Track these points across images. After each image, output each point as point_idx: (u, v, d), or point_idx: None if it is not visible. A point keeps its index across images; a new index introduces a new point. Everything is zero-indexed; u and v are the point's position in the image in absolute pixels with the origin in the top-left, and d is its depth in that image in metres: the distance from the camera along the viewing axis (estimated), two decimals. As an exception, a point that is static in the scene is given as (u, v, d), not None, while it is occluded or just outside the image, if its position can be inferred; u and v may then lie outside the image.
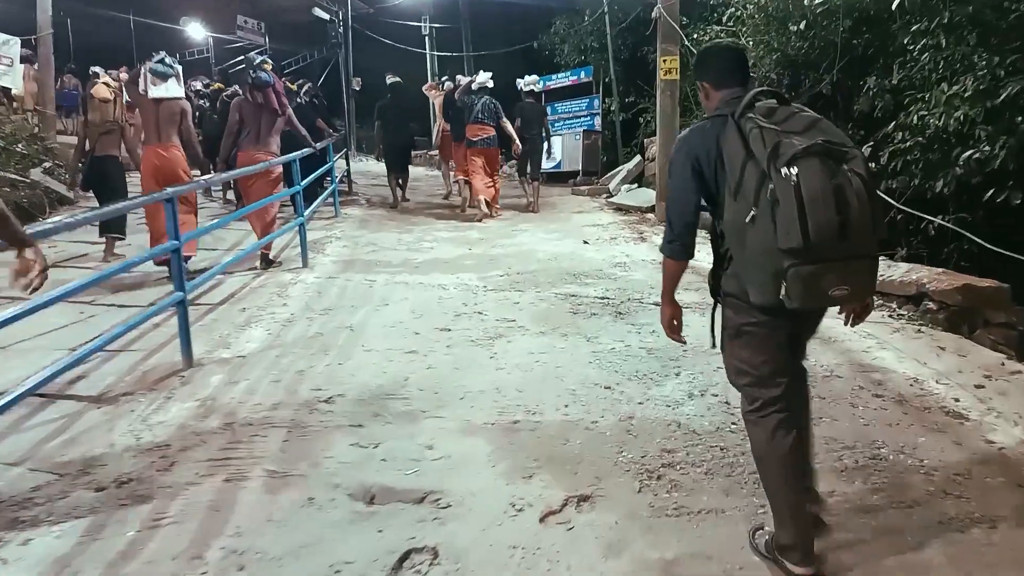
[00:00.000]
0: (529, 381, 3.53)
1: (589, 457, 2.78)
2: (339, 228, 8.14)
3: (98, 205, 6.17)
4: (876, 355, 3.83)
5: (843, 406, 3.22)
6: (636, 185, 9.84)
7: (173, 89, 5.78)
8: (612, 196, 10.13)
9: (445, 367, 3.74)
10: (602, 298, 5.05)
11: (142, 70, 5.75)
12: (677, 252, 2.10)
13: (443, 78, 11.99)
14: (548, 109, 14.38)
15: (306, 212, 6.83)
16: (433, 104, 11.45)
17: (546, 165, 14.24)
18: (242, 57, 9.00)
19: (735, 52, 2.20)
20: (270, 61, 6.72)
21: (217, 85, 11.45)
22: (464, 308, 4.85)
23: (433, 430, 3.03)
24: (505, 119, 9.03)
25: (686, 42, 8.61)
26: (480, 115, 8.81)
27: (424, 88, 11.95)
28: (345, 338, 4.25)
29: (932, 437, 2.93)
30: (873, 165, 6.56)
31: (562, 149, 13.61)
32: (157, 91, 5.68)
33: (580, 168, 13.03)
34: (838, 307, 1.99)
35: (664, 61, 8.13)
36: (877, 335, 4.12)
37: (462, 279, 5.72)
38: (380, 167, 11.77)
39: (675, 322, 2.25)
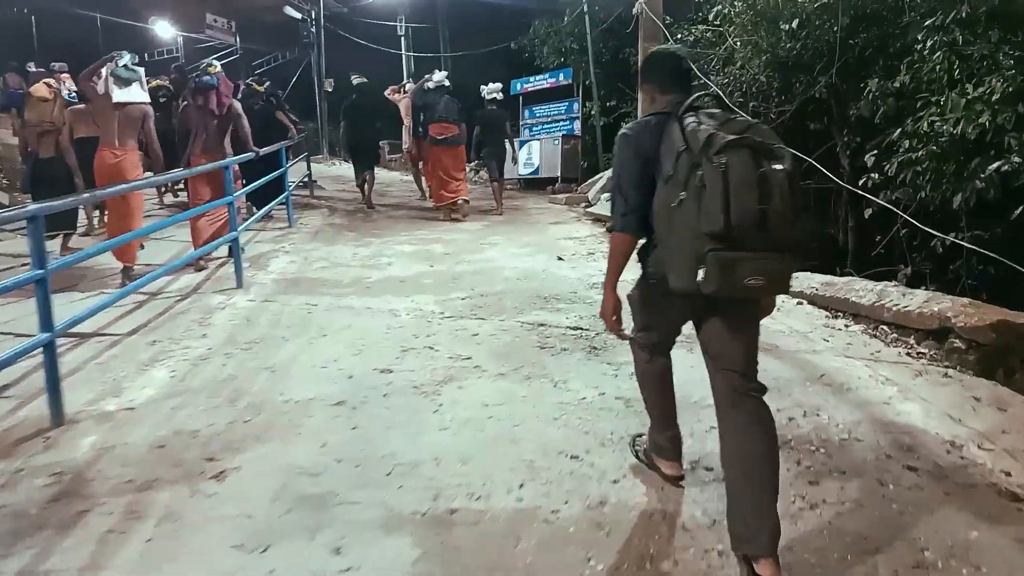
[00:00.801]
0: (478, 446, 2.83)
1: (544, 570, 2.08)
2: (291, 240, 7.40)
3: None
4: (900, 409, 3.17)
5: (869, 484, 2.55)
6: (617, 194, 9.18)
7: (137, 94, 5.68)
8: (591, 205, 9.49)
9: (376, 427, 3.03)
10: (575, 328, 4.36)
11: (103, 70, 5.55)
12: (631, 226, 2.13)
13: (404, 83, 11.82)
14: (526, 112, 13.82)
15: (244, 224, 6.11)
16: (399, 107, 11.30)
17: (523, 171, 13.65)
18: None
19: (680, 60, 2.27)
20: (216, 64, 6.61)
21: (156, 83, 10.61)
22: (414, 341, 4.15)
23: (345, 523, 2.31)
24: (463, 125, 9.09)
25: (670, 40, 7.99)
26: (443, 114, 8.74)
27: (387, 92, 11.81)
28: (262, 384, 3.52)
29: (986, 530, 2.27)
30: (876, 176, 5.96)
31: (540, 154, 12.97)
32: (121, 95, 5.54)
33: (559, 174, 12.40)
34: None
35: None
36: (898, 380, 3.48)
37: (417, 303, 5.02)
38: (348, 172, 11.44)
39: (615, 316, 2.26)
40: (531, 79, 13.69)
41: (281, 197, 7.97)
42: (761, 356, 2.18)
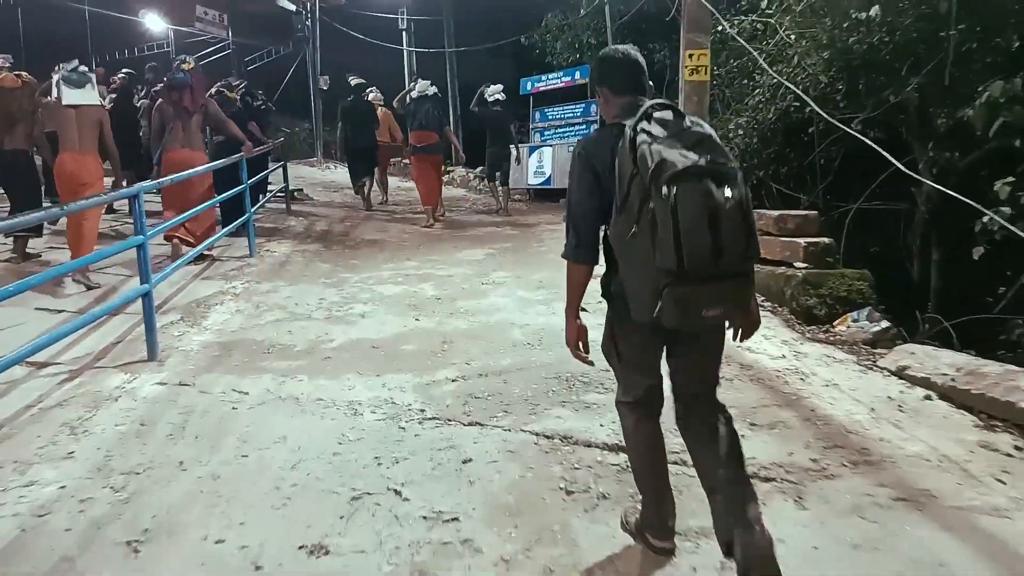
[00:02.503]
0: None
1: None
2: (246, 276, 5.98)
3: (8, 203, 6.12)
4: None
5: None
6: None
7: (89, 96, 5.65)
8: None
9: None
10: (616, 447, 2.93)
11: (53, 80, 5.65)
12: (583, 256, 2.08)
13: (368, 90, 11.12)
14: (536, 115, 12.39)
15: (174, 264, 4.71)
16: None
17: (533, 180, 12.22)
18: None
19: (634, 59, 2.13)
20: (190, 60, 6.59)
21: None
22: (373, 478, 2.73)
23: None
24: (449, 128, 9.52)
25: (728, 29, 6.56)
26: (423, 122, 8.83)
27: (370, 98, 11.13)
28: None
29: None
30: (1009, 210, 4.50)
31: (552, 162, 11.53)
32: (71, 97, 5.52)
33: (574, 186, 10.93)
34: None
35: (690, 57, 6.04)
36: None
37: (389, 389, 3.60)
38: (343, 178, 11.24)
39: (581, 343, 2.17)
40: (543, 78, 12.24)
41: (239, 221, 6.56)
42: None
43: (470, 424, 3.20)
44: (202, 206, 5.85)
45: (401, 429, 3.15)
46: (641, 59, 2.14)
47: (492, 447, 2.97)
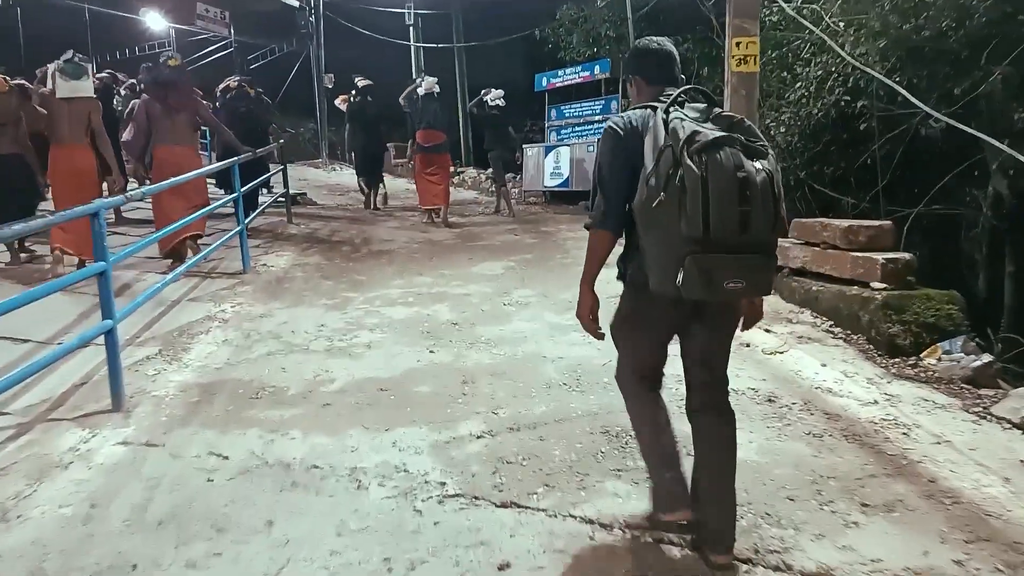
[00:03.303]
0: None
1: None
2: (238, 296, 5.33)
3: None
4: None
5: None
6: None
7: (84, 87, 5.62)
8: None
9: None
10: (697, 552, 2.25)
11: (49, 70, 5.63)
12: (612, 225, 2.06)
13: (353, 92, 10.85)
14: (552, 112, 11.73)
15: (152, 288, 4.07)
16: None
17: (549, 182, 11.56)
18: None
19: (669, 51, 2.16)
20: (177, 57, 6.48)
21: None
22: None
23: None
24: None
25: (792, 11, 5.87)
26: (431, 121, 8.74)
27: (336, 102, 11.22)
28: None
29: None
30: None
31: (570, 162, 10.86)
32: (65, 89, 5.51)
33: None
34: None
35: (737, 45, 5.34)
36: None
37: (400, 450, 2.94)
38: (349, 180, 11.42)
39: (592, 314, 2.16)
40: (559, 73, 11.55)
41: (231, 234, 5.91)
42: None
43: (503, 505, 2.52)
44: (203, 211, 5.67)
45: (416, 513, 2.48)
46: (676, 51, 2.18)
47: (534, 543, 2.30)
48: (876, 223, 4.63)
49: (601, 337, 2.19)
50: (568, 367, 3.83)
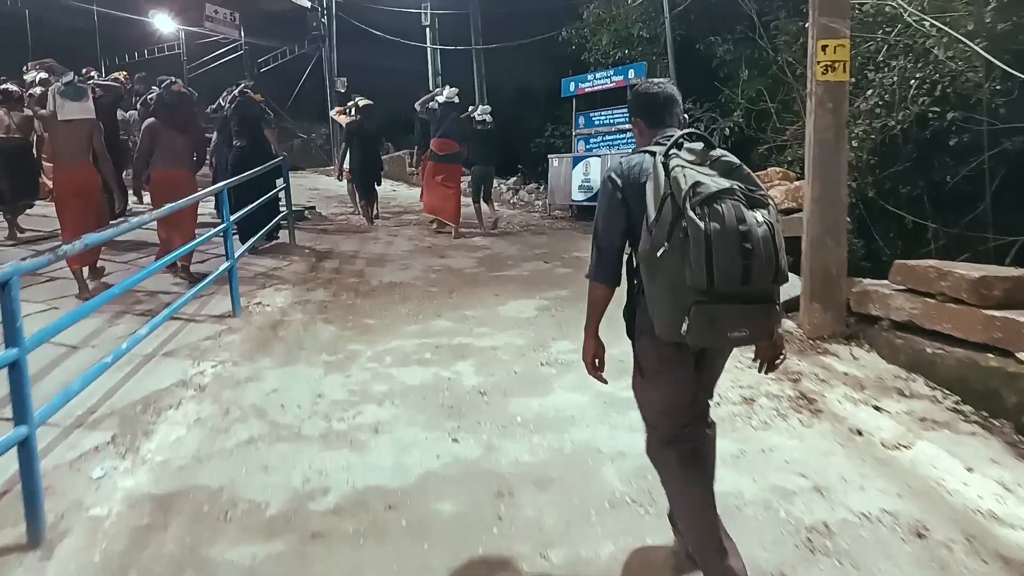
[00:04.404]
0: None
1: None
2: (224, 349, 4.47)
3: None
4: None
5: None
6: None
7: (85, 109, 5.67)
8: None
9: None
10: None
11: (49, 92, 5.71)
12: (608, 277, 2.11)
13: (350, 103, 11.15)
14: (580, 120, 10.83)
15: (124, 347, 3.22)
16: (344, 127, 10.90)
17: (577, 196, 10.68)
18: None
19: (670, 95, 2.20)
20: (180, 83, 6.59)
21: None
22: None
23: None
24: (466, 144, 9.10)
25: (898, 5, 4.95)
26: (449, 131, 8.70)
27: (332, 113, 11.83)
28: None
29: None
30: None
31: (601, 174, 9.91)
32: (69, 111, 5.54)
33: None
34: None
35: (823, 49, 4.41)
36: None
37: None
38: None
39: (597, 360, 2.22)
40: (588, 77, 10.64)
41: (220, 271, 5.05)
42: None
43: None
44: (196, 241, 5.45)
45: None
46: (677, 93, 2.22)
47: None
48: (1016, 272, 3.68)
49: (605, 382, 2.27)
50: (634, 471, 2.92)
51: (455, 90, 8.89)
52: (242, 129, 7.77)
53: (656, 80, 2.26)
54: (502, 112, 17.52)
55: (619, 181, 2.05)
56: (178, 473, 2.98)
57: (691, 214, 1.76)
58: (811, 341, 4.52)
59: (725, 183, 1.82)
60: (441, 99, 8.83)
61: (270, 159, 7.74)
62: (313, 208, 11.17)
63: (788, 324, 4.80)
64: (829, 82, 4.46)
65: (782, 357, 2.13)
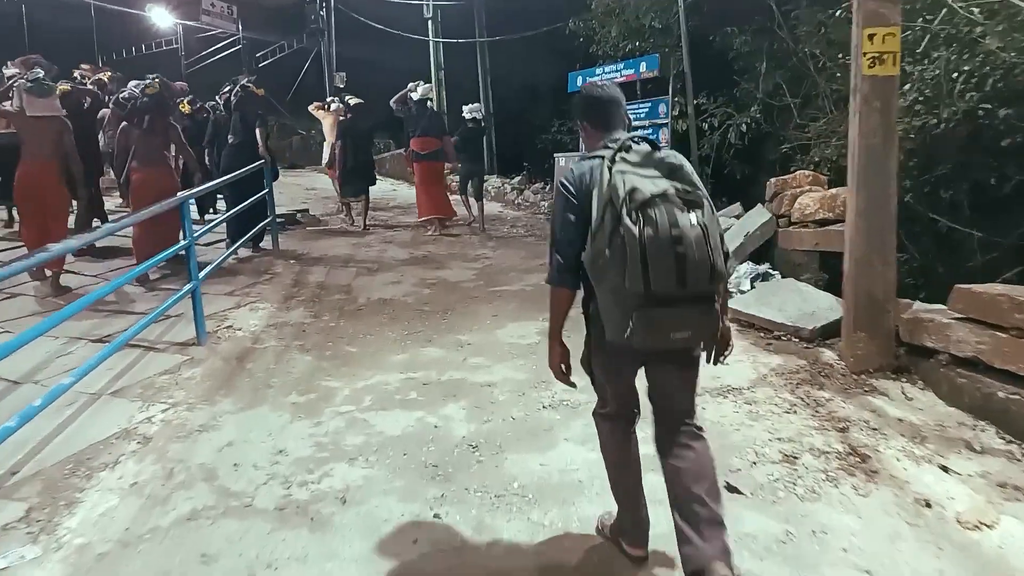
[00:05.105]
0: None
1: None
2: (182, 384, 3.91)
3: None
4: None
5: None
6: (769, 268, 5.44)
7: (52, 106, 5.65)
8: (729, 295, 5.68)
9: None
10: None
11: (14, 88, 5.64)
12: (569, 281, 2.13)
13: (329, 100, 11.39)
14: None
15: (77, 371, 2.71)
16: (323, 124, 11.30)
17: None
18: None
19: (613, 96, 2.24)
20: (156, 83, 6.56)
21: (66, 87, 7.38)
22: None
23: None
24: (448, 137, 9.17)
25: None
26: (427, 129, 8.67)
27: (310, 108, 11.65)
28: None
29: None
30: None
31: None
32: (36, 107, 5.51)
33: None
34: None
35: (870, 38, 3.80)
36: None
37: None
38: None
39: (563, 366, 2.24)
40: (597, 71, 9.98)
41: (180, 295, 4.49)
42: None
43: None
44: (174, 248, 5.00)
45: None
46: (620, 95, 2.26)
47: None
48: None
49: (574, 386, 2.30)
50: (658, 560, 2.35)
51: (428, 86, 8.82)
52: (242, 126, 7.53)
53: (599, 82, 2.30)
54: (507, 108, 16.95)
55: (571, 188, 2.09)
56: (96, 564, 2.43)
57: (627, 221, 1.84)
58: (855, 376, 3.92)
59: (664, 186, 1.90)
60: (415, 96, 8.66)
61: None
62: (307, 211, 10.64)
63: (828, 355, 4.20)
64: (876, 77, 3.85)
65: (729, 350, 2.19)
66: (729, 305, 4.71)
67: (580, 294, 2.18)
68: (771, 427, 3.34)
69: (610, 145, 2.06)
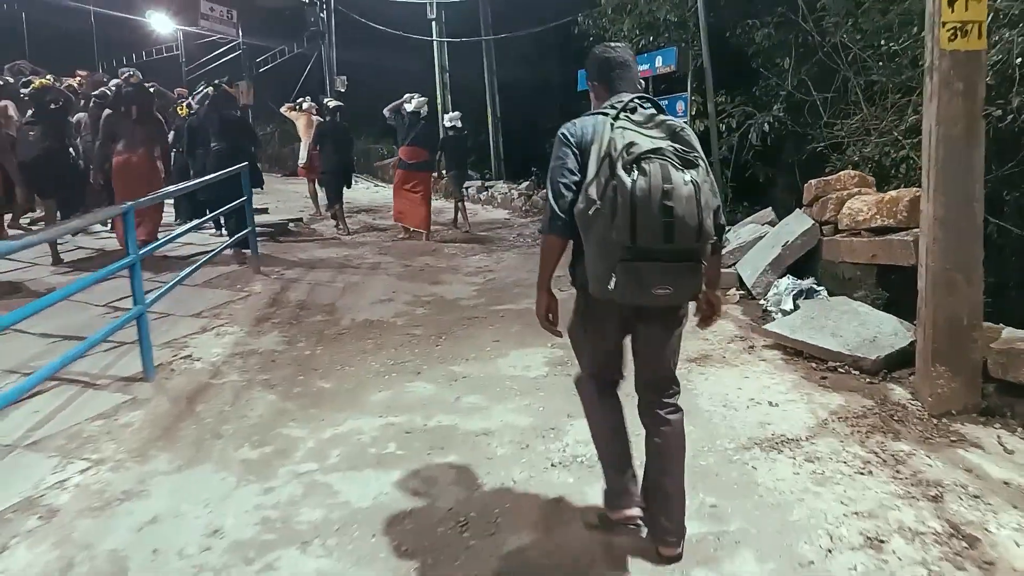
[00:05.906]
0: None
1: None
2: (114, 434, 3.22)
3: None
4: None
5: None
6: (814, 283, 4.70)
7: None
8: (767, 312, 4.85)
9: None
10: None
11: None
12: (561, 230, 2.09)
13: (300, 100, 11.53)
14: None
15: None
16: (298, 125, 11.30)
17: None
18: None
19: (628, 60, 2.23)
20: (138, 74, 6.82)
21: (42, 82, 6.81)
22: None
23: None
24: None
25: None
26: (417, 139, 8.70)
27: (282, 109, 11.73)
28: None
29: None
30: None
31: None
32: None
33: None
34: None
35: (951, 4, 3.09)
36: None
37: None
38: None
39: (551, 314, 2.21)
40: (608, 67, 9.28)
41: (127, 317, 3.81)
42: None
43: None
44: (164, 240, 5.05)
45: None
46: (631, 58, 2.25)
47: None
48: None
49: (560, 335, 2.26)
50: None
51: (424, 100, 8.81)
52: (221, 129, 7.16)
53: (613, 44, 2.29)
54: (514, 110, 16.28)
55: (571, 139, 2.09)
56: None
57: (620, 172, 1.86)
58: (935, 420, 3.19)
59: (660, 143, 1.90)
60: (409, 108, 8.67)
61: (249, 160, 6.89)
62: (300, 220, 10.02)
63: (899, 393, 3.46)
64: (959, 52, 3.12)
65: (716, 317, 2.24)
66: (790, 335, 4.02)
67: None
68: (843, 495, 2.61)
69: (616, 104, 2.06)
